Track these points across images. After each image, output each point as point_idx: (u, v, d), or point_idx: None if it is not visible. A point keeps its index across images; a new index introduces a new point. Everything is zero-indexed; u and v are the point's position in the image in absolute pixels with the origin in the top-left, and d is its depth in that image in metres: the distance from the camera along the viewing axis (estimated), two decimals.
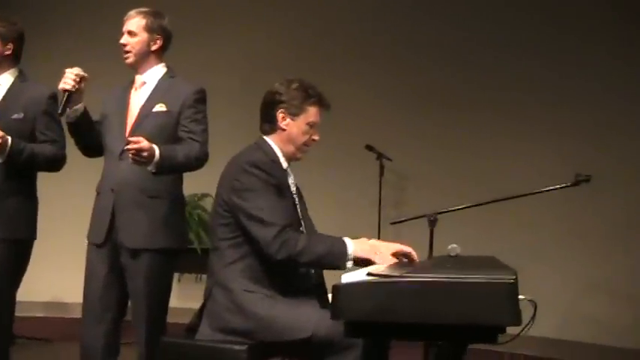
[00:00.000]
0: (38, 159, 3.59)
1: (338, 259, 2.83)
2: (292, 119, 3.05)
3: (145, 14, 3.52)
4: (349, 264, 2.83)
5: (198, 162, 3.42)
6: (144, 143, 3.14)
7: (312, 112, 3.07)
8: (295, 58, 6.31)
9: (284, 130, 3.06)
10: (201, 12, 6.58)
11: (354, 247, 2.85)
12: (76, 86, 3.33)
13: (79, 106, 3.41)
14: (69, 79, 3.32)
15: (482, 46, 6.32)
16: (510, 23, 6.27)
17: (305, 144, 3.10)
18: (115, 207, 3.40)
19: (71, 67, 3.35)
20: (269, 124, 3.10)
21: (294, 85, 3.07)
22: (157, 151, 3.20)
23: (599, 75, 6.00)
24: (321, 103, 3.11)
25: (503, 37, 6.27)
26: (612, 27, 6.03)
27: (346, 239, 2.89)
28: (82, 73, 3.35)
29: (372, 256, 2.83)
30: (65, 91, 3.31)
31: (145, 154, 3.15)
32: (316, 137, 3.11)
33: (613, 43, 6.01)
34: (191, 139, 3.41)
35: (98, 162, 3.60)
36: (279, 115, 3.06)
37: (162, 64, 3.58)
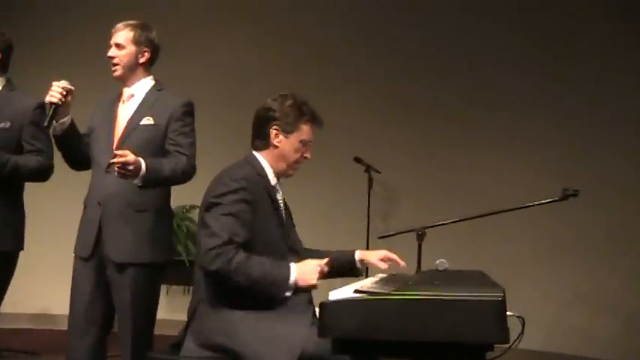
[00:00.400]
0: (22, 170, 3.57)
1: (274, 286, 2.81)
2: (285, 136, 3.03)
3: (133, 27, 3.50)
4: (288, 293, 2.82)
5: (185, 175, 3.40)
6: (130, 157, 3.12)
7: (305, 130, 3.05)
8: (280, 72, 6.31)
9: (276, 147, 3.04)
10: (186, 25, 6.54)
11: (297, 274, 2.82)
12: (63, 99, 3.31)
13: (66, 119, 3.39)
14: (55, 92, 3.30)
15: (471, 62, 6.39)
16: (499, 40, 6.34)
17: (296, 162, 3.07)
18: (101, 220, 3.38)
19: (59, 79, 3.34)
20: (261, 140, 3.07)
21: (288, 102, 3.05)
22: (143, 165, 3.18)
23: (583, 91, 6.11)
24: (314, 120, 3.09)
25: (491, 54, 6.36)
26: (597, 42, 6.13)
27: (292, 265, 2.86)
28: (68, 86, 3.34)
29: (311, 281, 2.82)
30: (52, 104, 3.29)
31: (130, 167, 3.13)
32: (308, 155, 3.09)
33: (598, 61, 6.11)
34: (178, 152, 3.40)
35: (86, 174, 3.58)
36: (272, 132, 3.03)
37: (151, 77, 3.57)
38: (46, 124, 3.32)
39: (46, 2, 6.89)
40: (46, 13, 6.81)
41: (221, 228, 2.81)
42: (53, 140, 3.51)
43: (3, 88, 3.70)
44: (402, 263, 3.12)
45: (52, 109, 3.29)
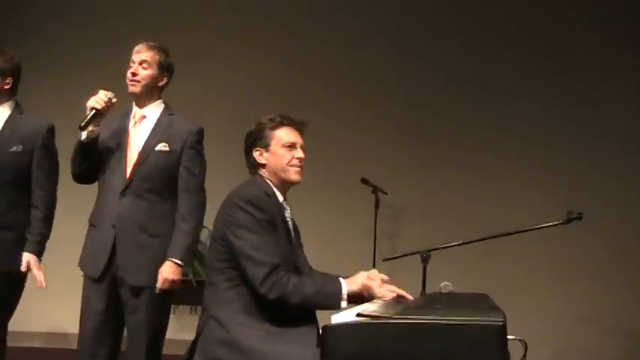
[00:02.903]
0: (46, 232, 3.69)
1: (330, 299, 2.84)
2: (266, 151, 3.08)
3: (159, 50, 3.57)
4: (344, 303, 2.83)
5: (197, 212, 3.51)
6: (164, 284, 3.39)
7: (281, 134, 3.07)
8: (285, 95, 6.29)
9: (265, 164, 3.08)
10: (188, 48, 6.46)
11: (348, 285, 2.86)
12: (106, 109, 3.40)
13: (97, 129, 3.45)
14: (101, 99, 3.38)
15: (476, 88, 6.45)
16: (504, 67, 6.41)
17: (290, 165, 3.07)
18: (116, 244, 3.42)
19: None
20: (251, 165, 3.14)
21: (262, 120, 3.11)
22: (176, 261, 3.41)
23: (586, 116, 6.22)
24: (285, 123, 3.10)
25: (496, 80, 6.43)
26: (599, 66, 6.23)
27: (341, 279, 2.91)
28: (114, 98, 3.43)
29: (368, 282, 2.87)
30: (94, 109, 3.36)
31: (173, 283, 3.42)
32: (300, 155, 3.08)
33: (599, 85, 6.20)
34: (185, 191, 3.50)
35: (90, 190, 3.63)
36: (256, 154, 3.09)
37: (161, 100, 3.63)
38: (82, 125, 3.37)
39: (51, 24, 6.86)
40: (51, 36, 6.81)
41: (262, 254, 2.85)
42: (76, 146, 3.50)
43: (12, 111, 3.73)
44: (410, 297, 3.07)
45: (92, 114, 3.36)
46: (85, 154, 3.49)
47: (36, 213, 3.66)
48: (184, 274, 3.57)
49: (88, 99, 3.43)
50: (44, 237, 3.68)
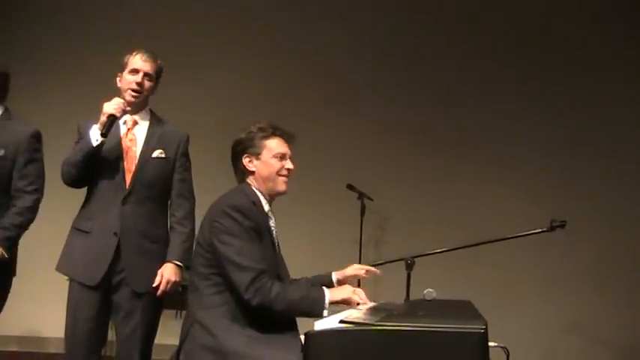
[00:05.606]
0: (24, 227, 3.58)
1: (313, 307, 2.89)
2: (257, 159, 3.12)
3: (156, 59, 3.59)
4: (325, 312, 2.87)
5: (192, 216, 3.60)
6: (167, 285, 3.43)
7: (272, 145, 3.13)
8: (276, 100, 6.31)
9: (254, 172, 3.13)
10: (182, 52, 6.49)
11: (332, 294, 2.92)
12: (120, 116, 3.45)
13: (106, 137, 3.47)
14: (119, 107, 3.42)
15: (464, 95, 6.48)
16: (493, 75, 6.45)
17: (279, 174, 3.13)
18: (121, 251, 3.44)
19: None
20: (240, 173, 3.17)
21: (252, 129, 3.16)
22: (177, 263, 3.47)
23: (573, 124, 6.25)
24: (277, 134, 3.16)
25: (484, 88, 6.46)
26: (586, 76, 6.29)
27: (324, 288, 2.96)
28: (127, 107, 3.47)
29: (351, 295, 2.92)
30: (112, 115, 3.40)
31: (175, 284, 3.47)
32: (289, 166, 3.15)
33: (587, 95, 6.26)
34: (182, 196, 3.58)
35: (68, 194, 3.62)
36: (245, 160, 3.13)
37: (148, 107, 3.65)
38: (104, 131, 3.41)
39: (45, 25, 6.84)
40: (46, 38, 6.77)
41: (247, 260, 2.89)
42: (89, 151, 3.45)
43: (0, 117, 3.65)
44: (376, 270, 3.26)
45: (110, 121, 3.41)
46: (92, 159, 3.47)
47: (15, 210, 3.55)
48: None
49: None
50: (16, 228, 3.54)
